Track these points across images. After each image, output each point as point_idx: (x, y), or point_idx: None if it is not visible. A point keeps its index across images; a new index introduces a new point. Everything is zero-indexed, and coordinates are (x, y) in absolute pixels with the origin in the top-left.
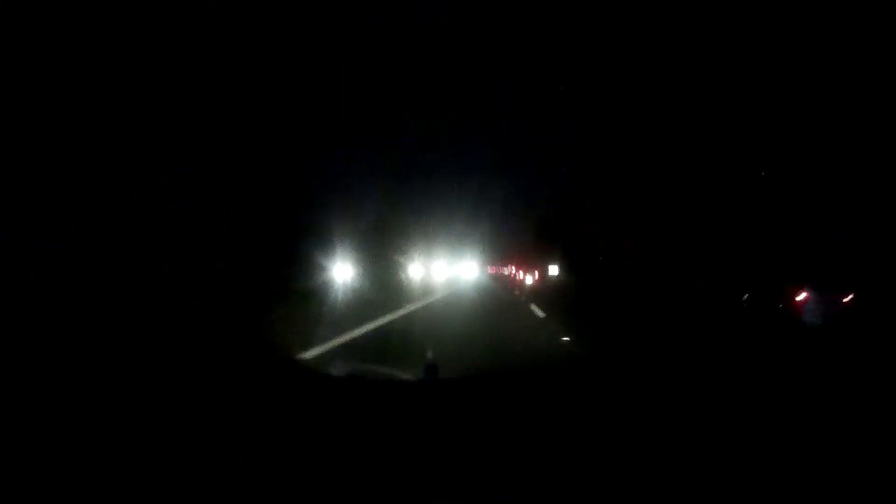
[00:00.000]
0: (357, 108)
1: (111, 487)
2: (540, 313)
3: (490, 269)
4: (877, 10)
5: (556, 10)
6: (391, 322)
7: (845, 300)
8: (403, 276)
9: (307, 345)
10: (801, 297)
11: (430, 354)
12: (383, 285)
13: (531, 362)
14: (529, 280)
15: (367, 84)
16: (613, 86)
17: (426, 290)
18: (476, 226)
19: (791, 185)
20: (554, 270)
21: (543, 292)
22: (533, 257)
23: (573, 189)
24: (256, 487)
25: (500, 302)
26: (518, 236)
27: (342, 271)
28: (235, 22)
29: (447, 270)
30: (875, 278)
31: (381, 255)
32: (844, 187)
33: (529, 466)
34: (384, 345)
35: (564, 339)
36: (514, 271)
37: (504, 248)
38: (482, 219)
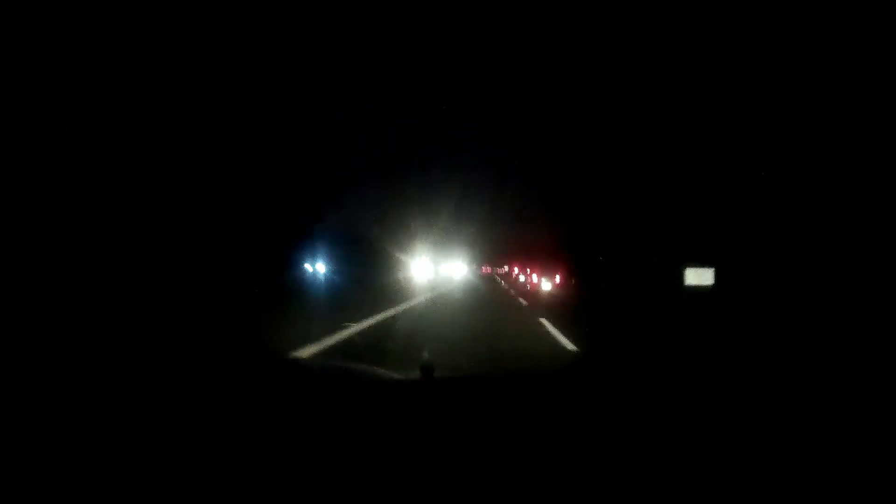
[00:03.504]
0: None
1: (100, 487)
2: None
3: (484, 270)
4: (876, 10)
5: (557, 9)
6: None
7: None
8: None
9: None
10: None
11: (425, 354)
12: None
13: (533, 366)
14: (547, 286)
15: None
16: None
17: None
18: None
19: (791, 185)
20: (707, 276)
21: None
22: (552, 252)
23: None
24: (247, 490)
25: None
26: (522, 229)
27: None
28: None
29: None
30: None
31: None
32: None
33: (530, 471)
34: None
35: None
36: (515, 272)
37: (501, 245)
38: (475, 212)
